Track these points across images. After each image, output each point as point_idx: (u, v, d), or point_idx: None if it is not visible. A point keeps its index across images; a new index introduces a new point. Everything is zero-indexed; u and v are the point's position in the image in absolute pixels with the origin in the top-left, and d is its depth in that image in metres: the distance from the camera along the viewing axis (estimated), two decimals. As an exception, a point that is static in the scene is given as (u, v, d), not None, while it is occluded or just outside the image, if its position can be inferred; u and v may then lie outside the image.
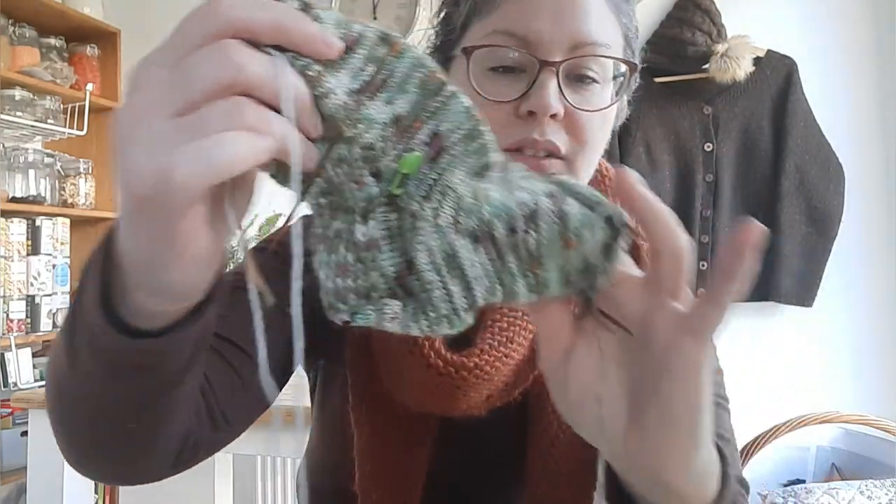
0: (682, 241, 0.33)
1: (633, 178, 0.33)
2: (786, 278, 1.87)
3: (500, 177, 0.35)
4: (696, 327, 0.32)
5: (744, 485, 0.57)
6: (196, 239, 0.30)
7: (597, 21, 0.53)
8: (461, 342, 0.57)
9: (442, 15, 0.61)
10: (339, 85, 0.31)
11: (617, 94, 0.57)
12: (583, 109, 0.53)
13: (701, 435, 0.34)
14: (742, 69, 1.83)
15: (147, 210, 0.29)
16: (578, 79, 0.54)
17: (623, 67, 0.56)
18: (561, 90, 0.52)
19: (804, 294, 1.88)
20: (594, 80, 0.54)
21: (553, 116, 0.52)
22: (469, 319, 0.35)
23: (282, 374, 0.61)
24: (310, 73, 0.30)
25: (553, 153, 0.53)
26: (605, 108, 0.55)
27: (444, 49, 0.59)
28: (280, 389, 0.61)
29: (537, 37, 0.52)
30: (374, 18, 2.28)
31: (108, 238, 0.35)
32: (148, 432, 0.43)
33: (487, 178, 0.35)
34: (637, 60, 0.58)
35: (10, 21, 2.28)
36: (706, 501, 0.38)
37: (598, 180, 0.64)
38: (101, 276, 0.35)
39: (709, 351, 0.33)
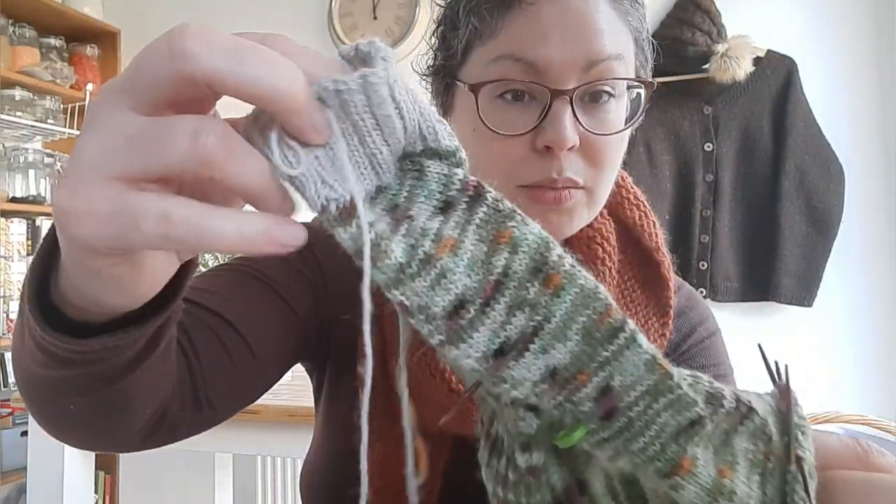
0: None
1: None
2: (786, 278, 1.87)
3: (706, 441, 0.26)
4: None
5: None
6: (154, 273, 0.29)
7: (607, 33, 0.50)
8: None
9: (439, 35, 0.58)
10: (472, 349, 0.23)
11: (631, 117, 0.54)
12: (600, 134, 0.51)
13: None
14: (742, 69, 1.83)
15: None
16: (593, 97, 0.51)
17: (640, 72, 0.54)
18: (576, 116, 0.50)
19: (804, 294, 1.88)
20: (610, 95, 0.52)
21: (571, 148, 0.50)
22: None
23: (283, 361, 0.60)
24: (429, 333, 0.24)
25: (573, 186, 0.51)
26: (621, 131, 0.53)
27: (445, 73, 0.56)
28: (279, 377, 0.59)
29: (546, 62, 0.49)
30: (375, 18, 2.27)
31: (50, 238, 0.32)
32: (109, 411, 0.41)
33: (686, 441, 0.25)
34: (650, 63, 0.56)
35: (10, 21, 2.28)
36: None
37: (615, 192, 0.62)
38: (41, 266, 0.32)
39: None
